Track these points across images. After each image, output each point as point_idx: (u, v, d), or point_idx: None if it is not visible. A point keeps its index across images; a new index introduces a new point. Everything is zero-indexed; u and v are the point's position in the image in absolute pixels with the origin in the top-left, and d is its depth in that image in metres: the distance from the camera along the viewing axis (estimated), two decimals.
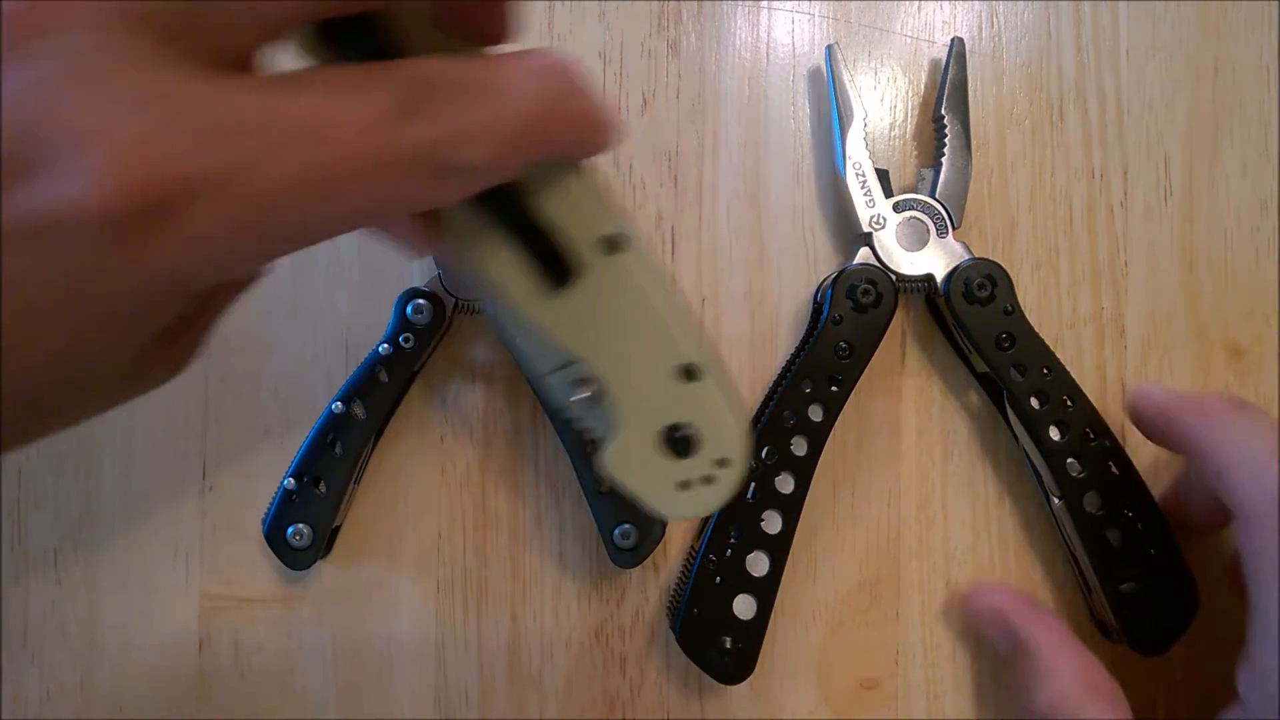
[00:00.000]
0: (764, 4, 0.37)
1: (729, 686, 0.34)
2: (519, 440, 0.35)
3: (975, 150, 0.35)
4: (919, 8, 0.37)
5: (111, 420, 0.35)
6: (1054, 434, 0.33)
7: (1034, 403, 0.33)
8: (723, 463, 0.24)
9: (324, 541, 0.33)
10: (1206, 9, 0.37)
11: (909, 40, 0.37)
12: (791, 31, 0.37)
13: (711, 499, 0.25)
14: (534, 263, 0.21)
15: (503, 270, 0.21)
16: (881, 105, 0.37)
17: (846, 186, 0.34)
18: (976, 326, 0.33)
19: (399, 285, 0.33)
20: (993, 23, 0.37)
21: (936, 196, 0.34)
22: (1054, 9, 0.37)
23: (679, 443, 0.24)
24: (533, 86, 0.17)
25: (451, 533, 0.35)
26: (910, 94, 0.37)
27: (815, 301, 0.35)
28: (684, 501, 0.25)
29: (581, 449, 0.33)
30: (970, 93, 0.35)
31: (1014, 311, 0.33)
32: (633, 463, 0.24)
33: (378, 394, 0.33)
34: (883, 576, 0.36)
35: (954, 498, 0.36)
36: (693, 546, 0.34)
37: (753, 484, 0.33)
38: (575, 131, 0.18)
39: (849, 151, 0.34)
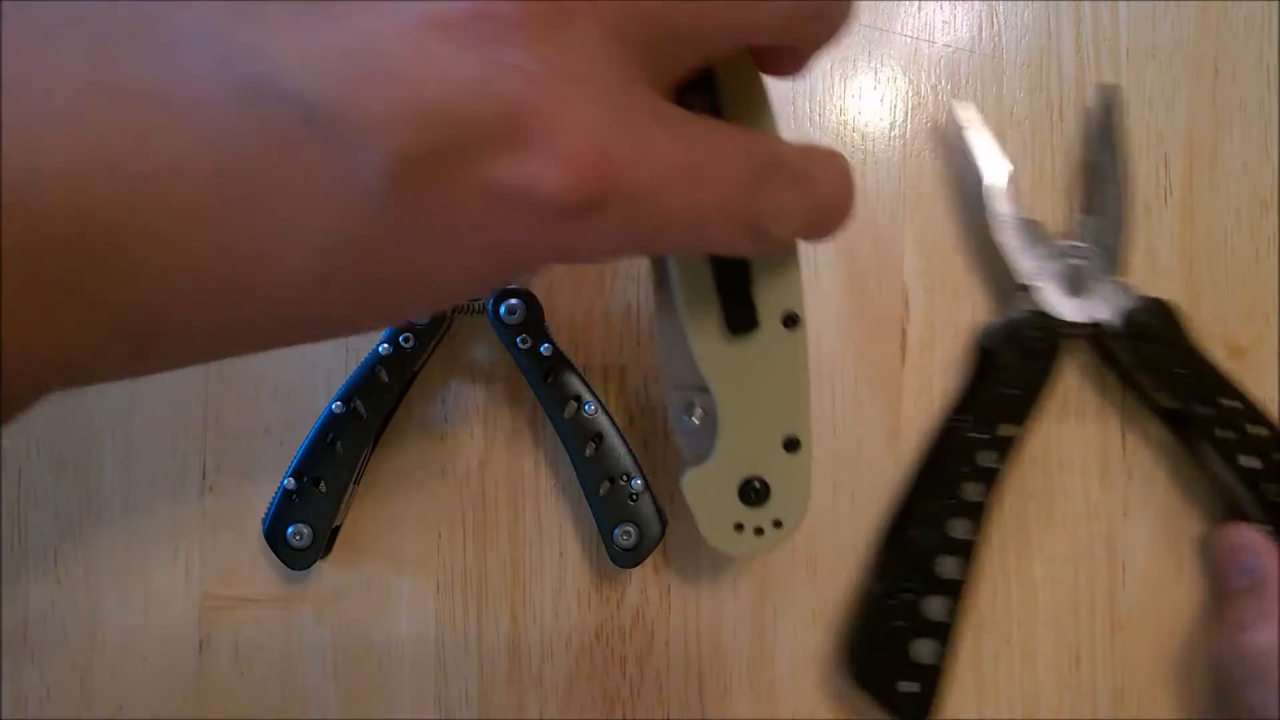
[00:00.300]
0: None
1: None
2: (519, 440, 0.35)
3: None
4: (919, 8, 0.37)
5: (111, 420, 0.35)
6: (1251, 462, 0.33)
7: (1225, 432, 0.33)
8: (778, 524, 0.28)
9: (324, 541, 0.33)
10: (1206, 9, 0.37)
11: (909, 40, 0.37)
12: None
13: (755, 547, 0.28)
14: (723, 309, 0.24)
15: (699, 305, 0.24)
16: (881, 105, 0.37)
17: (1001, 244, 0.34)
18: (1157, 365, 0.34)
19: None
20: (993, 23, 0.37)
21: (1093, 241, 0.35)
22: (1054, 9, 0.37)
23: (752, 492, 0.27)
24: (836, 185, 0.20)
25: (451, 533, 0.35)
26: (910, 94, 0.37)
27: (981, 348, 0.35)
28: (732, 540, 0.28)
29: (581, 449, 0.33)
30: (970, 93, 0.35)
31: (1190, 345, 0.34)
32: (707, 491, 0.27)
33: (378, 394, 0.33)
34: None
35: None
36: (870, 589, 0.34)
37: (930, 529, 0.33)
38: (835, 223, 0.21)
39: (997, 209, 0.34)
